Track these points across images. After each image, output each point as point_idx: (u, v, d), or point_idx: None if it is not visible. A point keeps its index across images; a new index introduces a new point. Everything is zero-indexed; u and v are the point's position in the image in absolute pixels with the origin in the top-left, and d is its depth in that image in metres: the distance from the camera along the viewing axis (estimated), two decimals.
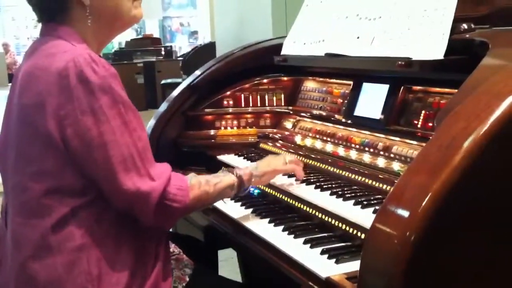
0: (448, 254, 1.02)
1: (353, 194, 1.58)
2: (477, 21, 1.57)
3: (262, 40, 2.42)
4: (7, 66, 13.72)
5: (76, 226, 1.38)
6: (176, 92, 2.28)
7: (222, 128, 2.29)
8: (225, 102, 2.30)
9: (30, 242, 1.39)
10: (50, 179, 1.38)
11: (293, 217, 1.63)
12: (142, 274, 1.43)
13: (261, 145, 2.22)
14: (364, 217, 1.41)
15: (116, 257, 1.40)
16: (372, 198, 1.54)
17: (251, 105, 2.31)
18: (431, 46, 1.54)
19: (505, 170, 1.07)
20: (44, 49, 1.43)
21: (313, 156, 1.93)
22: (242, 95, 2.30)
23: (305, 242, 1.43)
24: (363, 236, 1.39)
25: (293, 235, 1.49)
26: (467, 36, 1.51)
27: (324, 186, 1.67)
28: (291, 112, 2.25)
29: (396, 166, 1.63)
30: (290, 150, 2.05)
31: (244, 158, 2.11)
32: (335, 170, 1.79)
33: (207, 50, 7.62)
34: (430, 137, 1.12)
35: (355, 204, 1.51)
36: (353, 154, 1.80)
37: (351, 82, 1.96)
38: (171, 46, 12.65)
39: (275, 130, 2.26)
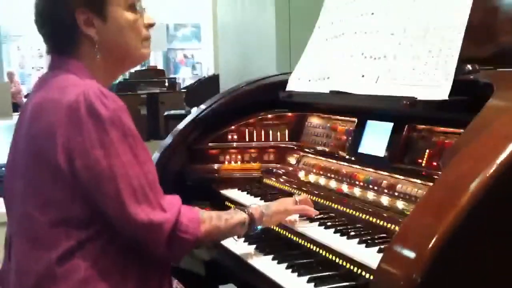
0: None
1: (357, 233, 1.57)
2: (481, 61, 1.58)
3: (267, 75, 2.44)
4: (12, 95, 13.78)
5: (81, 259, 1.37)
6: (181, 125, 2.29)
7: (226, 162, 2.29)
8: (229, 136, 2.30)
9: (35, 273, 1.39)
10: (57, 210, 1.38)
11: (296, 254, 1.62)
12: None
13: (265, 180, 2.22)
14: (369, 256, 1.40)
15: None
16: (376, 236, 1.53)
17: (255, 139, 2.31)
18: (436, 87, 1.55)
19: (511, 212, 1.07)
20: (55, 82, 1.45)
21: (316, 192, 1.93)
22: (247, 130, 2.31)
23: (309, 281, 1.42)
24: (367, 275, 1.38)
25: (296, 273, 1.48)
26: (472, 77, 1.52)
27: (328, 224, 1.67)
28: (295, 148, 2.25)
29: (400, 204, 1.62)
30: (294, 186, 2.05)
31: (247, 193, 2.11)
32: (338, 207, 1.79)
33: (211, 82, 7.68)
34: (435, 176, 1.13)
35: (359, 242, 1.51)
36: (357, 192, 1.80)
37: (356, 119, 1.97)
38: (175, 78, 12.74)
39: (279, 165, 2.26)
